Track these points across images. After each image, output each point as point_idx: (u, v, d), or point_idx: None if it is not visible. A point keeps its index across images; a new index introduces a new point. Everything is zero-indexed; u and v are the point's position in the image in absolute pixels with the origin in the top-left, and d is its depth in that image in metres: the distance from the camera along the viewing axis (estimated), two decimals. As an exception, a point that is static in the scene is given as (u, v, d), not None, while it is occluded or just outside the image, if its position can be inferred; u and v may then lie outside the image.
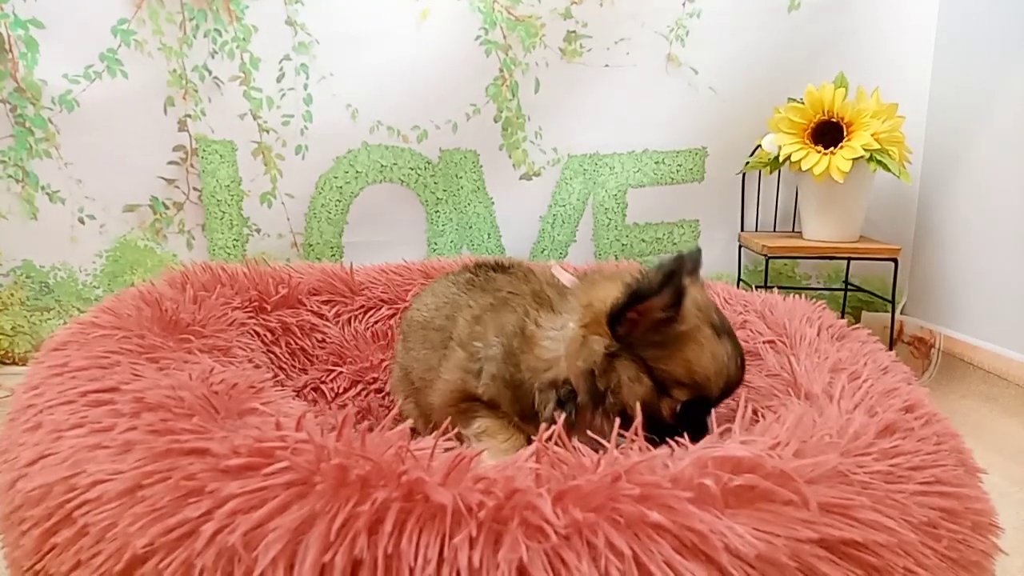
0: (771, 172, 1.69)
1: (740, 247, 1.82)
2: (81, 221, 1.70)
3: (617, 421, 0.70)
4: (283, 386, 1.11)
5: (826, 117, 1.55)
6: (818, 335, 1.01)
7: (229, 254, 1.76)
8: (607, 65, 1.76)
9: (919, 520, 0.58)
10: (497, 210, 1.84)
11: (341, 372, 1.29)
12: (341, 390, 1.27)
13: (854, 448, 0.63)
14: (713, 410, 0.77)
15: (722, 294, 1.28)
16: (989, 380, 1.51)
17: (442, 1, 1.68)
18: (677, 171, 1.82)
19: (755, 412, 0.75)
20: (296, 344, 1.29)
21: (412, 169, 1.78)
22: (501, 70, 1.74)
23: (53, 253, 1.71)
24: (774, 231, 1.86)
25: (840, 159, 1.49)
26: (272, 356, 1.24)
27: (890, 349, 1.24)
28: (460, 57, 1.72)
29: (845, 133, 1.52)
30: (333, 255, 1.80)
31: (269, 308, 1.28)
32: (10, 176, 1.65)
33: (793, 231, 1.80)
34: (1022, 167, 1.47)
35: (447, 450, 0.58)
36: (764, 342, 1.04)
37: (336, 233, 1.80)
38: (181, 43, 1.66)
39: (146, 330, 0.89)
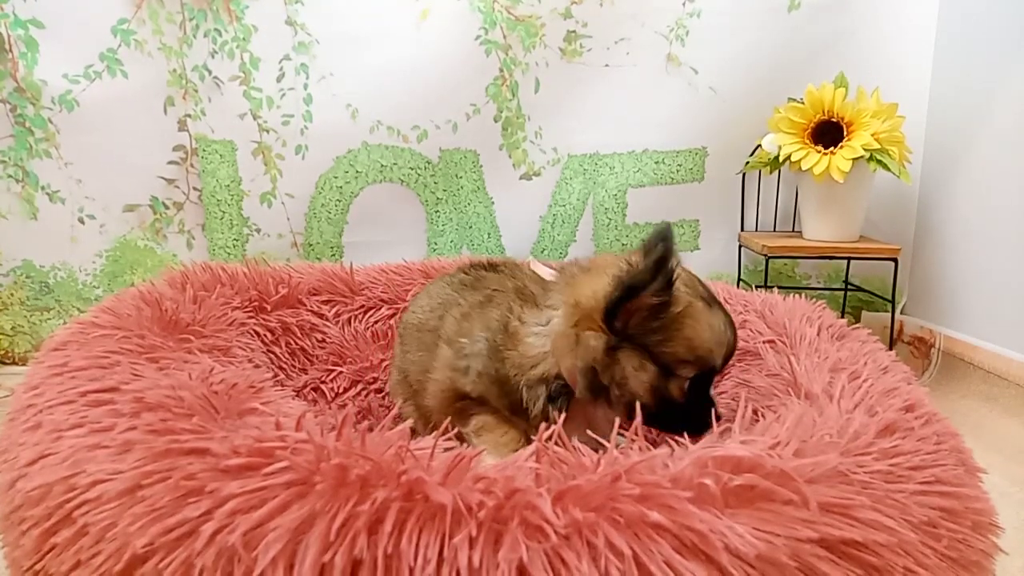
0: (771, 172, 1.69)
1: (740, 247, 1.82)
2: (81, 221, 1.70)
3: (617, 421, 0.70)
4: (283, 386, 1.11)
5: (826, 117, 1.55)
6: (818, 335, 1.01)
7: (229, 254, 1.76)
8: (607, 65, 1.76)
9: (919, 520, 0.58)
10: (497, 210, 1.84)
11: (341, 372, 1.29)
12: (341, 390, 1.27)
13: (854, 448, 0.63)
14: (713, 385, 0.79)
15: (722, 294, 1.28)
16: (989, 380, 1.51)
17: (442, 1, 1.68)
18: (677, 171, 1.82)
19: (755, 412, 0.75)
20: (296, 344, 1.29)
21: (412, 169, 1.78)
22: (501, 70, 1.74)
23: (53, 253, 1.71)
24: (774, 231, 1.86)
25: (840, 159, 1.49)
26: (272, 356, 1.24)
27: (890, 349, 1.24)
28: (460, 57, 1.72)
29: (845, 133, 1.52)
30: (333, 255, 1.80)
31: (269, 308, 1.28)
32: (10, 176, 1.65)
33: (793, 231, 1.80)
34: (1022, 167, 1.47)
35: (447, 450, 0.58)
36: (764, 342, 1.04)
37: (336, 233, 1.80)
38: (181, 43, 1.66)
39: (146, 330, 0.89)
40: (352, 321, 1.37)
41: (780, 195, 1.83)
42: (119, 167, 1.69)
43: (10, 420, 0.75)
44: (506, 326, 0.85)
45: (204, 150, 1.72)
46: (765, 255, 1.61)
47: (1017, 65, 1.48)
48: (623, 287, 0.75)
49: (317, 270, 1.40)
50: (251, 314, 1.24)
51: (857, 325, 1.09)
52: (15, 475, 0.65)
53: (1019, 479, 1.15)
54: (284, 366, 1.25)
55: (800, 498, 0.54)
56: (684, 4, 1.72)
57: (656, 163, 1.81)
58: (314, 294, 1.36)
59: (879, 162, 1.48)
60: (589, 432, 0.67)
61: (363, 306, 1.39)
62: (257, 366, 1.05)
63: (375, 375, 1.29)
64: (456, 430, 0.86)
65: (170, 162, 1.72)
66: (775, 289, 1.23)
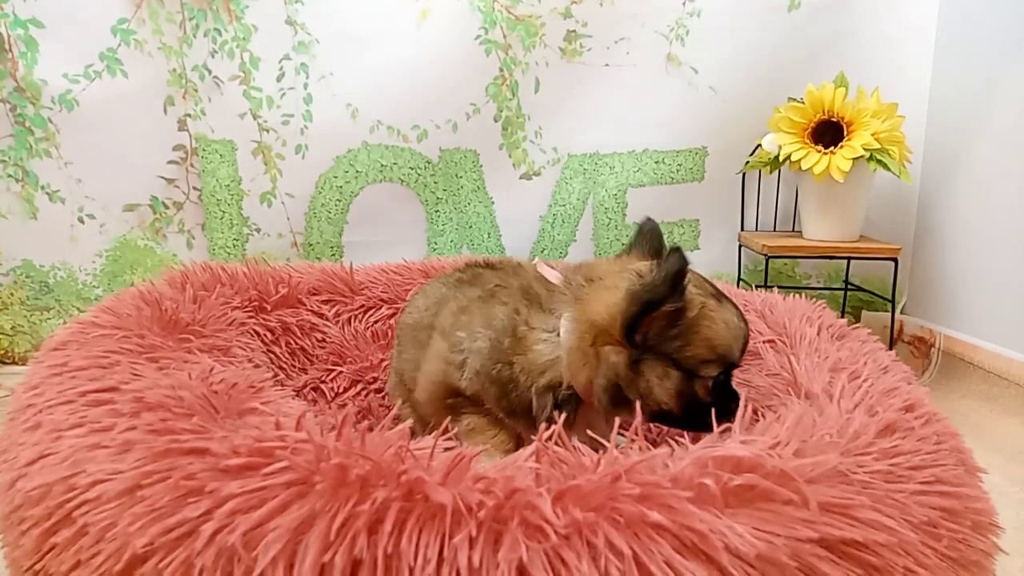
0: (771, 172, 1.69)
1: (740, 247, 1.82)
2: (81, 221, 1.70)
3: (617, 421, 0.70)
4: (283, 386, 1.11)
5: (826, 117, 1.55)
6: (818, 335, 1.01)
7: (229, 254, 1.76)
8: (607, 65, 1.76)
9: (919, 520, 0.58)
10: (497, 210, 1.84)
11: (341, 372, 1.29)
12: (341, 390, 1.27)
13: (854, 448, 0.63)
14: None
15: (722, 294, 1.28)
16: (989, 380, 1.51)
17: (442, 1, 1.68)
18: (677, 171, 1.82)
19: (755, 412, 0.75)
20: (296, 344, 1.29)
21: (412, 169, 1.78)
22: (501, 70, 1.74)
23: (53, 253, 1.71)
24: (774, 231, 1.86)
25: (840, 159, 1.49)
26: (272, 356, 1.24)
27: (890, 349, 1.24)
28: (460, 57, 1.72)
29: (845, 133, 1.52)
30: (333, 255, 1.80)
31: (269, 308, 1.28)
32: (10, 176, 1.65)
33: (793, 231, 1.80)
34: (1022, 167, 1.47)
35: (447, 450, 0.58)
36: (764, 342, 1.04)
37: (336, 233, 1.80)
38: (181, 43, 1.66)
39: (146, 330, 0.89)
40: (352, 321, 1.37)
41: (780, 195, 1.83)
42: (119, 167, 1.69)
43: (10, 420, 0.75)
44: (514, 330, 0.83)
45: (204, 150, 1.72)
46: (765, 255, 1.61)
47: (1017, 65, 1.48)
48: (641, 303, 0.74)
49: (317, 270, 1.40)
50: (251, 314, 1.24)
51: (857, 325, 1.09)
52: (15, 475, 0.65)
53: (1019, 479, 1.15)
54: (284, 366, 1.25)
55: (800, 498, 0.54)
56: (684, 4, 1.72)
57: (656, 163, 1.81)
58: (314, 294, 1.36)
59: (879, 162, 1.48)
60: (589, 432, 0.67)
61: (363, 306, 1.39)
62: (257, 366, 1.05)
63: (375, 375, 1.29)
64: (455, 430, 0.86)
65: (170, 162, 1.72)
66: (775, 289, 1.23)
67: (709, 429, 0.67)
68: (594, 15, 1.72)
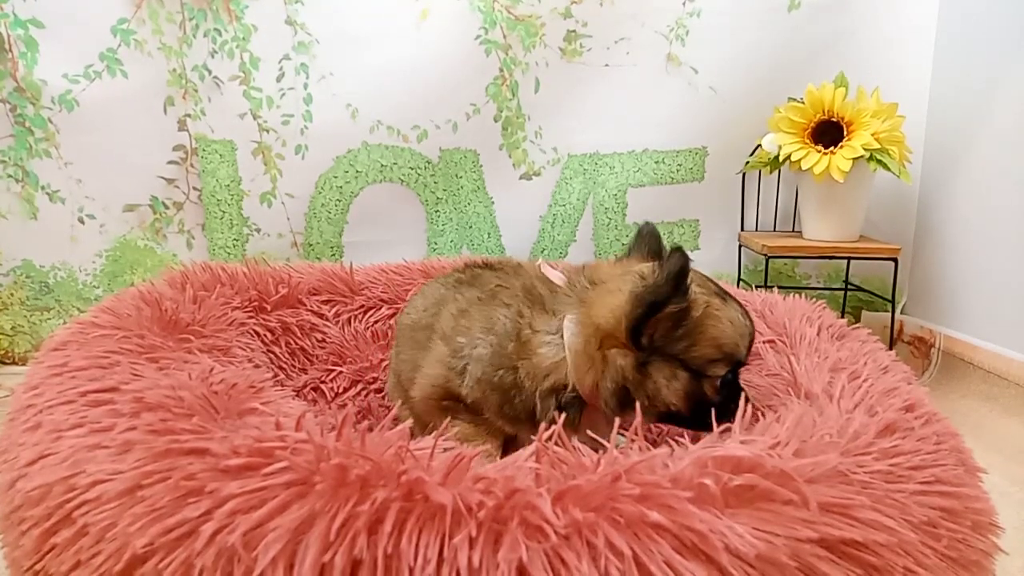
0: (771, 172, 1.69)
1: (740, 247, 1.82)
2: (81, 221, 1.70)
3: (617, 421, 0.70)
4: (283, 386, 1.11)
5: (826, 117, 1.55)
6: (818, 335, 1.01)
7: (229, 254, 1.76)
8: (607, 65, 1.76)
9: (919, 520, 0.58)
10: (497, 210, 1.84)
11: (341, 372, 1.29)
12: (341, 390, 1.27)
13: (854, 448, 0.63)
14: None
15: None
16: (989, 380, 1.51)
17: (442, 1, 1.68)
18: (677, 171, 1.82)
19: (755, 412, 0.75)
20: (296, 344, 1.29)
21: (412, 169, 1.78)
22: (501, 70, 1.74)
23: (53, 253, 1.71)
24: (774, 231, 1.86)
25: (840, 159, 1.49)
26: (272, 356, 1.24)
27: (890, 349, 1.24)
28: (460, 57, 1.72)
29: (845, 133, 1.52)
30: (333, 255, 1.80)
31: (269, 308, 1.28)
32: (10, 176, 1.65)
33: (793, 231, 1.80)
34: (1022, 167, 1.47)
35: (447, 450, 0.58)
36: (764, 342, 1.04)
37: (336, 233, 1.80)
38: (181, 43, 1.66)
39: (146, 330, 0.89)
40: (352, 321, 1.37)
41: (780, 195, 1.83)
42: (119, 167, 1.69)
43: (10, 420, 0.75)
44: (518, 334, 0.82)
45: (204, 150, 1.72)
46: (765, 255, 1.61)
47: (1017, 65, 1.48)
48: (645, 304, 0.74)
49: (317, 270, 1.40)
50: (251, 314, 1.24)
51: (857, 325, 1.09)
52: (15, 475, 0.65)
53: (1019, 479, 1.15)
54: (284, 366, 1.25)
55: (800, 498, 0.54)
56: (684, 4, 1.72)
57: (656, 163, 1.81)
58: (314, 294, 1.36)
59: (879, 162, 1.48)
60: (589, 432, 0.67)
61: (363, 306, 1.39)
62: (257, 366, 1.05)
63: (375, 375, 1.29)
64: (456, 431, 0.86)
65: (170, 162, 1.72)
66: (775, 289, 1.23)
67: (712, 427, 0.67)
68: (594, 15, 1.72)
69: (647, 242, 0.89)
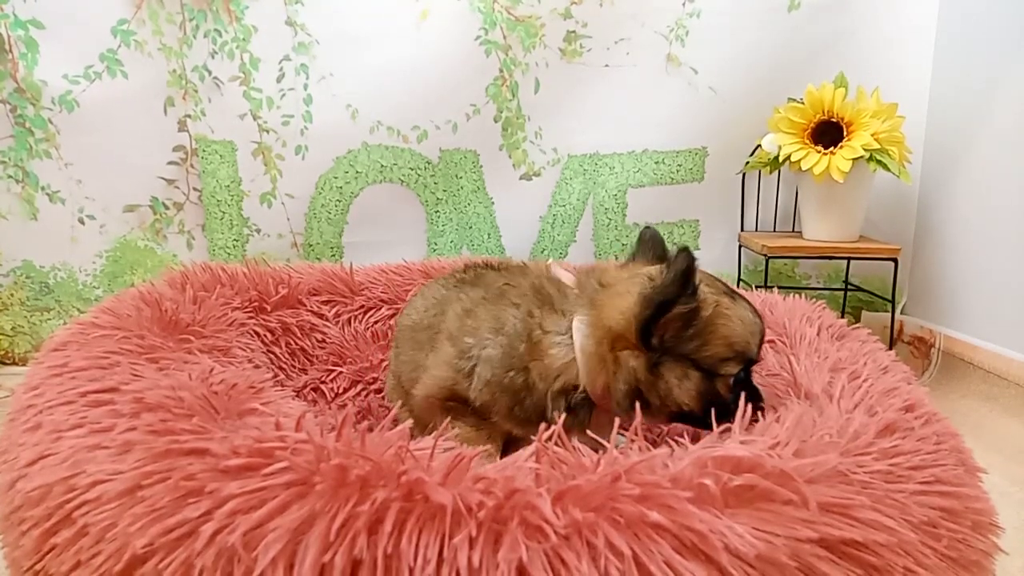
0: (771, 172, 1.69)
1: (740, 247, 1.82)
2: (81, 221, 1.70)
3: (617, 421, 0.70)
4: (283, 386, 1.11)
5: (826, 117, 1.55)
6: (818, 335, 1.01)
7: (229, 254, 1.76)
8: (607, 65, 1.76)
9: (919, 520, 0.58)
10: (497, 210, 1.84)
11: (341, 372, 1.29)
12: (341, 390, 1.27)
13: (854, 448, 0.63)
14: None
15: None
16: (989, 380, 1.51)
17: (442, 1, 1.69)
18: (677, 171, 1.82)
19: (755, 412, 0.75)
20: (296, 344, 1.29)
21: (412, 169, 1.78)
22: (501, 70, 1.74)
23: (53, 253, 1.71)
24: (774, 231, 1.86)
25: (840, 159, 1.49)
26: (272, 356, 1.24)
27: (890, 349, 1.24)
28: (460, 57, 1.72)
29: (845, 133, 1.52)
30: (333, 255, 1.80)
31: (269, 308, 1.28)
32: (10, 176, 1.65)
33: (793, 231, 1.80)
34: (1022, 167, 1.47)
35: (447, 450, 0.58)
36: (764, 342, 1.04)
37: (336, 233, 1.80)
38: (181, 43, 1.66)
39: (146, 330, 0.89)
40: (352, 321, 1.37)
41: (780, 195, 1.83)
42: (119, 167, 1.69)
43: (10, 420, 0.75)
44: (529, 334, 0.82)
45: (204, 150, 1.72)
46: (765, 255, 1.61)
47: (1017, 65, 1.48)
48: (654, 305, 0.74)
49: (317, 270, 1.40)
50: (251, 314, 1.24)
51: (857, 325, 1.09)
52: (15, 475, 0.65)
53: (1019, 479, 1.15)
54: (284, 366, 1.25)
55: (800, 498, 0.54)
56: (684, 4, 1.72)
57: (656, 163, 1.81)
58: (314, 294, 1.36)
59: (879, 162, 1.48)
60: (589, 432, 0.67)
61: (363, 306, 1.39)
62: (257, 366, 1.05)
63: (375, 375, 1.29)
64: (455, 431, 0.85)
65: (170, 162, 1.72)
66: (775, 289, 1.23)
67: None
68: (594, 15, 1.72)
69: (651, 246, 0.89)
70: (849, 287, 1.84)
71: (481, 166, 1.81)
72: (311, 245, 1.79)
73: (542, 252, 1.85)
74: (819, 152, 1.52)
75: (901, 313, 1.81)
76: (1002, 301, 1.52)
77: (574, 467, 0.57)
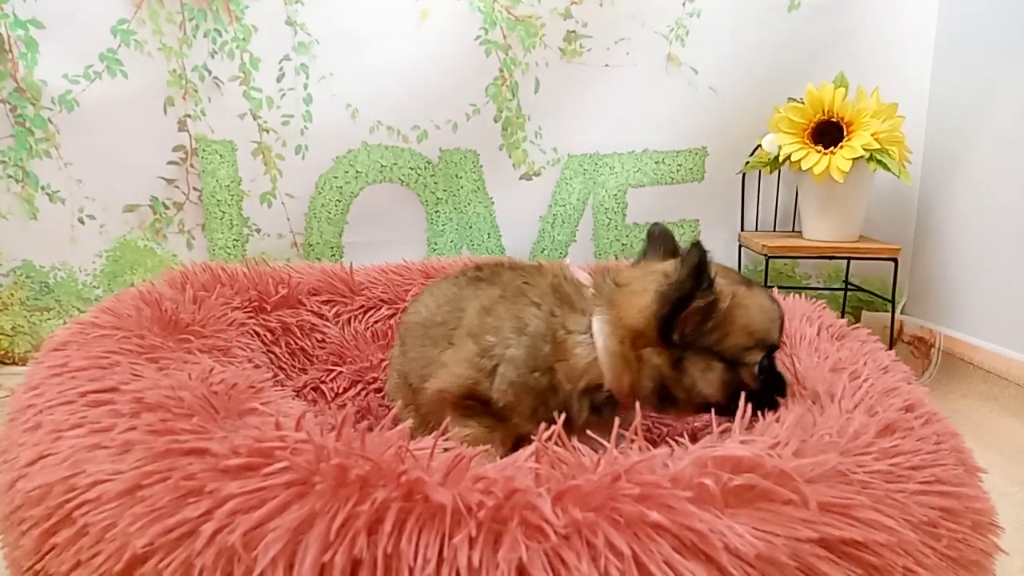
0: (771, 172, 1.69)
1: (740, 247, 1.82)
2: (81, 221, 1.70)
3: (617, 421, 0.70)
4: (283, 386, 1.11)
5: (826, 117, 1.54)
6: (818, 335, 1.01)
7: (229, 254, 1.76)
8: (607, 65, 1.76)
9: (919, 519, 0.58)
10: (497, 210, 1.84)
11: (341, 372, 1.29)
12: (341, 390, 1.27)
13: (854, 447, 0.63)
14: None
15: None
16: (989, 380, 1.51)
17: (442, 1, 1.68)
18: (677, 171, 1.82)
19: (755, 412, 0.75)
20: (296, 344, 1.29)
21: (412, 169, 1.78)
22: (501, 70, 1.74)
23: (53, 253, 1.71)
24: (774, 231, 1.86)
25: (840, 159, 1.49)
26: (272, 356, 1.24)
27: (890, 349, 1.24)
28: (460, 57, 1.72)
29: (845, 133, 1.52)
30: (333, 255, 1.80)
31: (269, 308, 1.28)
32: (10, 176, 1.65)
33: (793, 231, 1.80)
34: (1022, 167, 1.47)
35: (447, 450, 0.58)
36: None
37: (336, 233, 1.80)
38: (181, 43, 1.66)
39: (146, 330, 0.89)
40: (352, 321, 1.37)
41: (780, 195, 1.83)
42: (119, 167, 1.69)
43: (10, 420, 0.75)
44: (554, 334, 0.82)
45: (204, 150, 1.72)
46: (765, 255, 1.61)
47: (1017, 65, 1.48)
48: (671, 302, 0.74)
49: (317, 270, 1.40)
50: (251, 314, 1.24)
51: (857, 325, 1.09)
52: (15, 475, 0.65)
53: (1019, 479, 1.15)
54: (284, 366, 1.25)
55: (800, 498, 0.54)
56: (684, 4, 1.72)
57: (656, 163, 1.81)
58: (314, 294, 1.36)
59: (879, 162, 1.48)
60: (589, 432, 0.67)
61: (363, 306, 1.39)
62: (257, 366, 1.05)
63: (375, 375, 1.29)
64: (453, 432, 0.85)
65: (170, 162, 1.72)
66: (775, 289, 1.23)
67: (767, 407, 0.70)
68: (594, 15, 1.72)
69: (661, 243, 0.89)
70: (849, 287, 1.84)
71: (481, 166, 1.81)
72: (311, 245, 1.79)
73: (542, 252, 1.85)
74: (819, 152, 1.52)
75: (901, 313, 1.81)
76: (1002, 301, 1.52)
77: (574, 467, 0.57)
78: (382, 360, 1.31)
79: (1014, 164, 1.49)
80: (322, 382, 1.27)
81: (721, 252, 1.86)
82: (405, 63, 1.72)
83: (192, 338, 0.94)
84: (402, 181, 1.79)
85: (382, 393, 1.25)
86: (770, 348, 0.79)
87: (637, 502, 0.52)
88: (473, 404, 0.86)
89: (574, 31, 1.73)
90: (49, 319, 1.73)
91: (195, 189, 1.74)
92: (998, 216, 1.54)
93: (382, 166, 1.77)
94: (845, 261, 1.83)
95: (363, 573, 0.48)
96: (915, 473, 0.63)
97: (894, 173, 1.50)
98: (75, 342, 0.86)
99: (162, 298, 1.03)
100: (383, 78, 1.72)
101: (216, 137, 1.72)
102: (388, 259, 1.51)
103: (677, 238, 0.90)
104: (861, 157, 1.48)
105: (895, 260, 1.58)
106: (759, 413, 0.71)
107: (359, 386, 1.28)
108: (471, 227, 1.84)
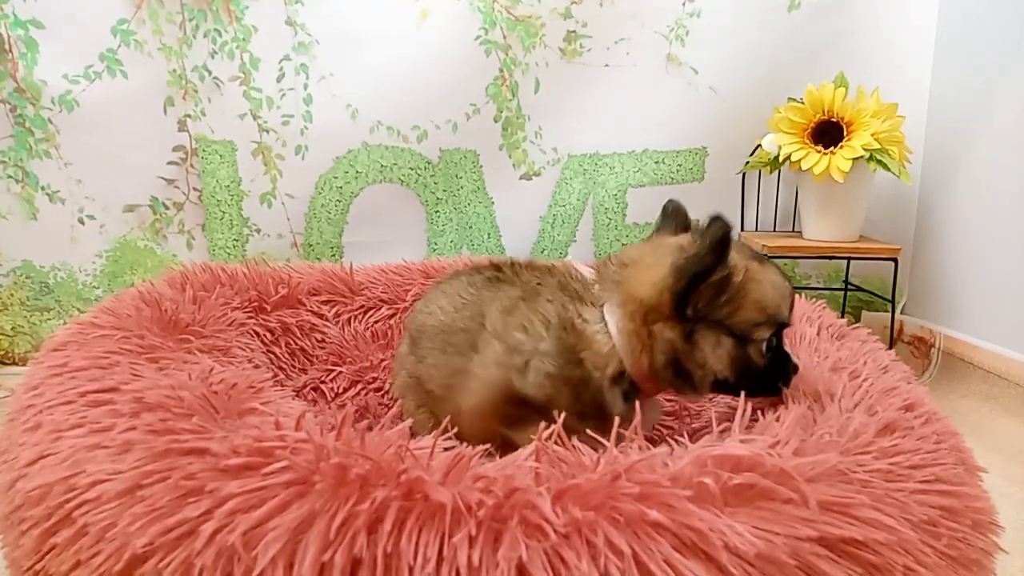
0: (771, 172, 1.69)
1: (740, 247, 1.82)
2: (81, 221, 1.70)
3: (617, 420, 0.70)
4: (283, 386, 1.11)
5: (826, 117, 1.54)
6: (818, 334, 1.01)
7: (229, 254, 1.76)
8: (607, 65, 1.76)
9: (919, 518, 0.58)
10: (497, 210, 1.84)
11: (341, 372, 1.29)
12: (341, 390, 1.27)
13: (854, 447, 0.63)
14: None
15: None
16: (989, 380, 1.51)
17: (442, 1, 1.69)
18: (677, 171, 1.82)
19: (755, 411, 0.75)
20: (296, 344, 1.29)
21: (412, 169, 1.78)
22: (501, 70, 1.74)
23: (53, 253, 1.71)
24: (774, 231, 1.86)
25: (840, 159, 1.49)
26: (272, 356, 1.24)
27: (890, 349, 1.24)
28: (460, 57, 1.72)
29: (845, 133, 1.52)
30: (333, 255, 1.80)
31: (269, 308, 1.28)
32: (10, 176, 1.65)
33: (793, 231, 1.80)
34: (1022, 167, 1.47)
35: (447, 449, 0.58)
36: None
37: (336, 233, 1.80)
38: (181, 43, 1.66)
39: (146, 330, 0.89)
40: (352, 321, 1.37)
41: (780, 195, 1.83)
42: (119, 167, 1.69)
43: (10, 420, 0.75)
44: (573, 325, 0.81)
45: (204, 150, 1.72)
46: (765, 255, 1.61)
47: (1017, 65, 1.48)
48: (688, 276, 0.74)
49: (317, 270, 1.40)
50: (251, 314, 1.24)
51: (857, 325, 1.09)
52: (15, 475, 0.65)
53: (1019, 479, 1.15)
54: (284, 366, 1.25)
55: (800, 497, 0.54)
56: (684, 4, 1.72)
57: (656, 163, 1.81)
58: (314, 294, 1.36)
59: (879, 162, 1.48)
60: (589, 432, 0.67)
61: (363, 306, 1.39)
62: (257, 366, 1.05)
63: (375, 375, 1.29)
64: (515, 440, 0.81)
65: (170, 162, 1.72)
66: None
67: (775, 393, 0.69)
68: (594, 15, 1.72)
69: (674, 218, 0.89)
70: (849, 287, 1.84)
71: (481, 166, 1.81)
72: (311, 245, 1.79)
73: (542, 252, 1.85)
74: (819, 152, 1.52)
75: (901, 313, 1.81)
76: (1002, 301, 1.52)
77: (574, 466, 0.57)
78: (382, 360, 1.31)
79: (1014, 164, 1.49)
80: (322, 382, 1.27)
81: (721, 252, 1.86)
82: (405, 63, 1.72)
83: (192, 338, 0.94)
84: (402, 181, 1.79)
85: (381, 393, 1.25)
86: (779, 325, 0.79)
87: (637, 501, 0.52)
88: (516, 409, 0.83)
89: (574, 31, 1.74)
90: (49, 319, 1.73)
91: (195, 189, 1.74)
92: (998, 216, 1.54)
93: (382, 166, 1.77)
94: (845, 261, 1.83)
95: (363, 572, 0.48)
96: (915, 472, 0.63)
97: (894, 173, 1.49)
98: (75, 342, 0.86)
99: (162, 298, 1.03)
100: (383, 78, 1.72)
101: (216, 137, 1.72)
102: (388, 259, 1.51)
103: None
104: (861, 157, 1.48)
105: (895, 260, 1.58)
106: (767, 390, 0.72)
107: (359, 386, 1.28)
108: (471, 227, 1.84)
